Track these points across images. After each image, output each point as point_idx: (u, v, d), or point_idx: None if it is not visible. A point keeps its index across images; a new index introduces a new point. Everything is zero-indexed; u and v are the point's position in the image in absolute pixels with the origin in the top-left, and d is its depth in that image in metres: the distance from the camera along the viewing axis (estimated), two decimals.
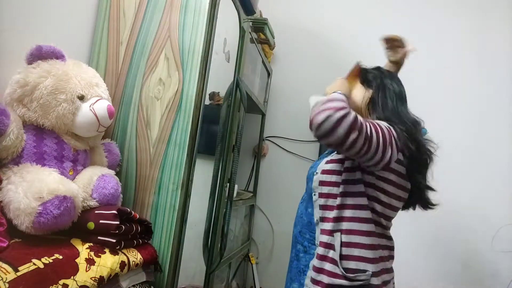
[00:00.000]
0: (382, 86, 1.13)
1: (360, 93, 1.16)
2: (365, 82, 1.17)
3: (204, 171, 1.45)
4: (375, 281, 1.01)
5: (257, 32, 1.89)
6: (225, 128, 1.50)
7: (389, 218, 1.08)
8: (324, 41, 2.41)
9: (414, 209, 1.14)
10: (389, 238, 1.10)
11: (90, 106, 1.03)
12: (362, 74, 1.19)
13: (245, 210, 2.24)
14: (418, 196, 1.09)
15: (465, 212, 2.09)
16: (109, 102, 1.09)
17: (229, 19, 1.53)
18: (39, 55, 0.98)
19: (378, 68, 1.21)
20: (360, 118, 0.91)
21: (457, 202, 2.08)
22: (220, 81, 1.63)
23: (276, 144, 2.43)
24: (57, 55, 1.00)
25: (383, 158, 0.96)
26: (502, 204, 2.07)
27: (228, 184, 1.53)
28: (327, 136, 0.88)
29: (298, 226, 1.22)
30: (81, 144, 1.07)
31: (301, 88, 2.42)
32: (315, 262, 1.06)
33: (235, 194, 1.63)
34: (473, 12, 2.21)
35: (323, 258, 1.04)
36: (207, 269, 1.48)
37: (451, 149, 2.12)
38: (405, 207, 1.14)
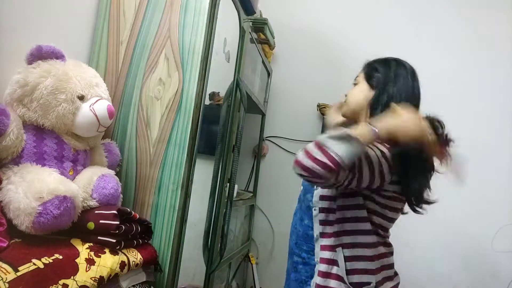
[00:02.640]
0: (385, 90, 1.05)
1: (363, 93, 1.09)
2: (370, 81, 1.10)
3: (204, 171, 1.45)
4: None
5: (257, 32, 1.89)
6: (225, 128, 1.50)
7: (385, 229, 1.06)
8: (324, 41, 2.41)
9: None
10: (388, 245, 1.08)
11: (90, 106, 1.03)
12: (368, 71, 1.12)
13: (245, 210, 2.24)
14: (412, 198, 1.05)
15: (465, 212, 2.09)
16: (109, 102, 1.09)
17: (229, 19, 1.53)
18: (39, 55, 0.98)
19: (386, 65, 1.10)
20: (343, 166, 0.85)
21: (457, 202, 2.08)
22: (220, 81, 1.63)
23: (276, 144, 2.43)
24: (57, 55, 1.00)
25: (371, 185, 0.95)
26: (502, 204, 2.07)
27: (228, 184, 1.53)
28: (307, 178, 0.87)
29: (293, 237, 1.18)
30: (81, 144, 1.07)
31: (301, 88, 2.42)
32: (317, 280, 1.02)
33: (235, 194, 1.63)
34: (474, 12, 2.22)
35: (326, 275, 1.01)
36: (207, 269, 1.48)
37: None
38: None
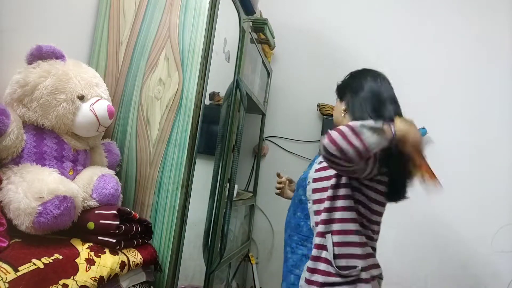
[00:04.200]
0: (350, 97, 1.18)
1: (338, 108, 1.24)
2: (339, 96, 1.25)
3: (204, 171, 1.45)
4: (364, 275, 1.07)
5: (257, 32, 1.89)
6: (225, 128, 1.50)
7: (369, 220, 1.13)
8: (324, 41, 2.42)
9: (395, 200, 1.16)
10: (371, 239, 1.15)
11: (90, 106, 1.03)
12: (337, 89, 1.26)
13: (245, 210, 2.24)
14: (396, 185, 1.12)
15: (465, 212, 2.09)
16: (109, 102, 1.09)
17: (229, 19, 1.53)
18: (39, 55, 0.98)
19: (349, 76, 1.24)
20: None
21: (457, 202, 2.09)
22: (220, 81, 1.63)
23: (276, 144, 2.43)
24: (57, 55, 1.00)
25: (370, 173, 1.05)
26: (502, 204, 2.07)
27: (228, 184, 1.53)
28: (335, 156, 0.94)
29: (287, 230, 1.28)
30: (81, 144, 1.07)
31: (301, 88, 2.42)
32: (309, 263, 1.12)
33: (235, 194, 1.63)
34: (474, 12, 2.22)
35: (316, 259, 1.10)
36: (207, 269, 1.48)
37: (450, 148, 2.12)
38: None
